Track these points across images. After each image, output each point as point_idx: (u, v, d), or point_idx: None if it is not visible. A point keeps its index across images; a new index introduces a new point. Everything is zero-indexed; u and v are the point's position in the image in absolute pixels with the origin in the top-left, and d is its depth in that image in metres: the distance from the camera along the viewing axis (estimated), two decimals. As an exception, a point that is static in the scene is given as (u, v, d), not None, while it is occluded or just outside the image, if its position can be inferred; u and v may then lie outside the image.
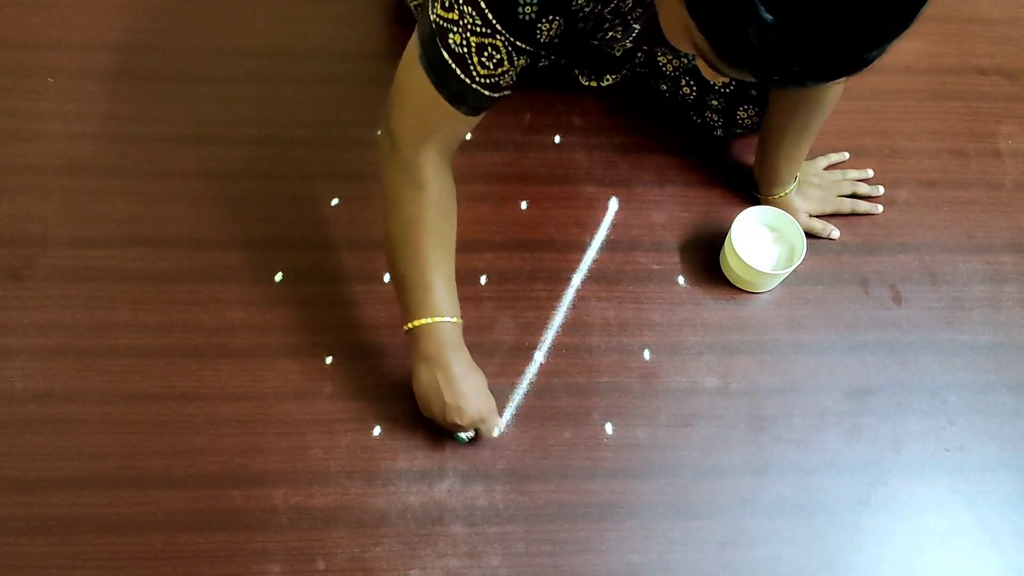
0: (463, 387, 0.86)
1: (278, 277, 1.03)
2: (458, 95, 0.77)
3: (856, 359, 1.03)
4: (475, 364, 0.89)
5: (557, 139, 1.16)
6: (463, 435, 0.92)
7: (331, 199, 1.08)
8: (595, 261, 1.07)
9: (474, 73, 0.75)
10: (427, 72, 0.76)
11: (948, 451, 0.99)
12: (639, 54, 1.11)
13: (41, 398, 0.94)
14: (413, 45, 0.78)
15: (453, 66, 0.74)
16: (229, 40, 1.20)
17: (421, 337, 0.85)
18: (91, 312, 0.99)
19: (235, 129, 1.13)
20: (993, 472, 0.98)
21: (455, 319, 0.86)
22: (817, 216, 1.11)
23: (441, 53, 0.74)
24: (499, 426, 0.91)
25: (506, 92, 0.79)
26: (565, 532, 0.91)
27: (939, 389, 1.02)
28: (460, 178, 1.11)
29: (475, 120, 0.82)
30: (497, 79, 0.76)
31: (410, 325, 0.86)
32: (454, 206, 0.87)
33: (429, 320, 0.84)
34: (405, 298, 0.86)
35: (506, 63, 0.75)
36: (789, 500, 0.95)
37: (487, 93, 0.77)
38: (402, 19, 1.24)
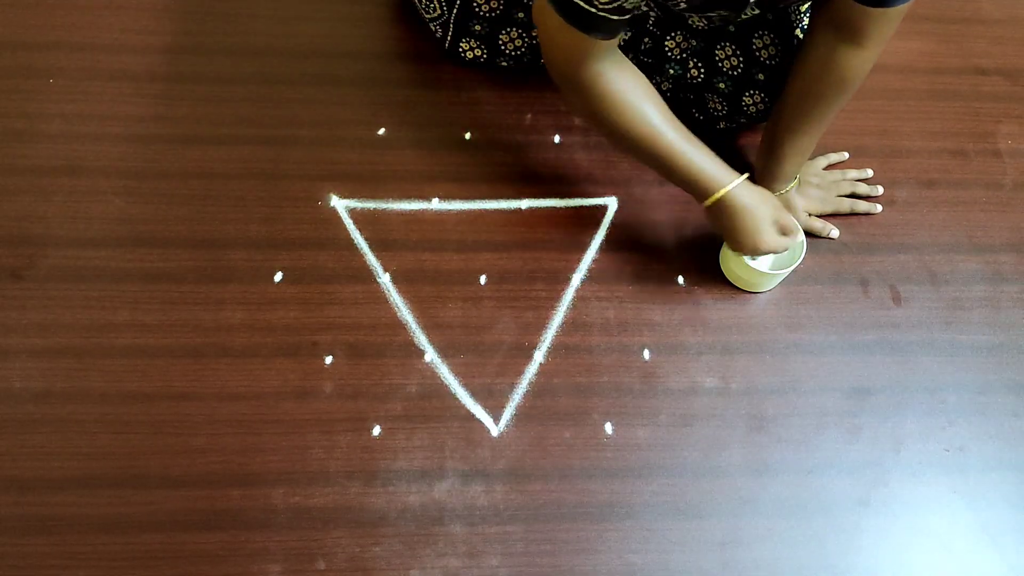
0: (757, 212, 0.96)
1: (278, 277, 1.03)
2: (589, 25, 0.83)
3: (856, 359, 1.03)
4: (762, 191, 0.98)
5: (557, 139, 1.16)
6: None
7: (331, 199, 1.09)
8: (595, 261, 1.07)
9: (595, 3, 0.80)
10: (557, 12, 0.82)
11: (948, 451, 0.99)
12: (645, 39, 1.10)
13: (40, 398, 0.94)
14: None
15: (577, 1, 0.80)
16: (229, 40, 1.21)
17: (725, 207, 0.95)
18: (90, 312, 0.99)
19: (235, 129, 1.13)
20: (993, 472, 0.98)
21: (736, 179, 0.94)
22: (816, 216, 1.11)
23: None
24: (800, 235, 1.02)
25: (634, 12, 0.84)
26: (565, 532, 0.91)
27: (939, 389, 1.02)
28: (461, 177, 1.12)
29: (617, 39, 0.88)
30: (620, 2, 0.81)
31: (709, 202, 0.95)
32: (647, 84, 0.93)
33: (719, 195, 0.94)
34: (683, 183, 0.96)
35: None
36: (789, 500, 0.95)
37: (615, 18, 0.82)
38: (402, 19, 1.24)
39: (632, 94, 0.91)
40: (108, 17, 1.21)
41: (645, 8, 0.82)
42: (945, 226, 1.14)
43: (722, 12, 0.92)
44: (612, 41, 0.87)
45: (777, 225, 0.98)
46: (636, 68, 0.93)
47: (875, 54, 0.92)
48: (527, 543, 0.90)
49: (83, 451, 0.92)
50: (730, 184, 0.94)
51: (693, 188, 0.96)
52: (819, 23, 0.93)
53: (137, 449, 0.92)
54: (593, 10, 0.81)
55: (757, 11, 0.94)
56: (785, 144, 1.02)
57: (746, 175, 0.97)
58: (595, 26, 0.83)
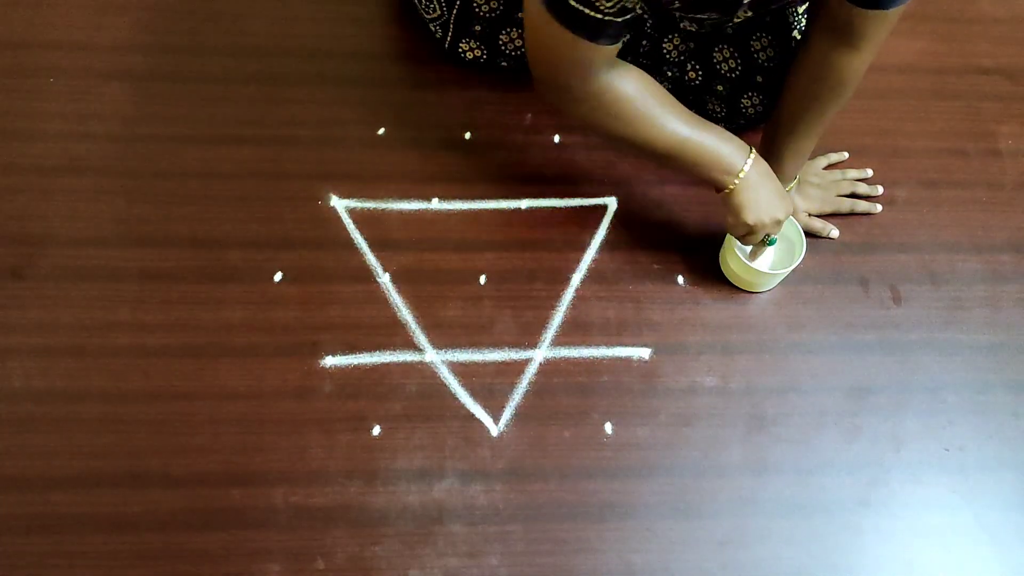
0: (772, 185, 0.94)
1: (277, 277, 1.03)
2: (595, 32, 0.81)
3: (856, 359, 1.03)
4: (765, 164, 0.96)
5: (557, 139, 1.16)
6: (775, 236, 0.99)
7: (331, 199, 1.09)
8: (595, 261, 1.07)
9: (601, 7, 0.78)
10: (560, 23, 0.80)
11: (948, 451, 0.99)
12: (644, 42, 1.10)
13: (40, 397, 0.94)
14: (534, 7, 0.81)
15: (582, 8, 0.78)
16: (229, 40, 1.21)
17: (739, 185, 0.93)
18: (91, 311, 0.99)
19: (235, 129, 1.13)
20: (993, 472, 0.98)
21: (748, 157, 0.92)
22: (816, 215, 1.11)
23: (567, 2, 0.78)
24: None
25: (635, 12, 0.82)
26: (565, 532, 0.91)
27: (939, 389, 1.02)
28: (460, 177, 1.12)
29: (619, 45, 0.86)
30: (623, 3, 0.79)
31: (730, 187, 0.93)
32: (651, 82, 0.91)
33: (741, 175, 0.92)
34: (697, 172, 0.93)
35: None
36: (789, 500, 0.95)
37: (619, 20, 0.81)
38: (402, 19, 1.24)
39: (642, 100, 0.90)
40: (108, 17, 1.21)
41: (640, 10, 0.82)
42: (945, 226, 1.14)
43: (713, 15, 0.92)
44: (616, 47, 0.86)
45: (783, 210, 0.97)
46: (637, 68, 0.92)
47: (871, 56, 0.92)
48: (527, 543, 0.90)
49: (83, 450, 0.92)
50: (751, 155, 0.93)
51: (715, 173, 0.93)
52: (815, 26, 0.93)
53: (137, 448, 0.92)
54: (599, 16, 0.79)
55: (750, 13, 0.94)
56: (784, 145, 1.02)
57: (753, 152, 0.95)
58: (601, 32, 0.81)
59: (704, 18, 0.99)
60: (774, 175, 0.96)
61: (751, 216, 0.94)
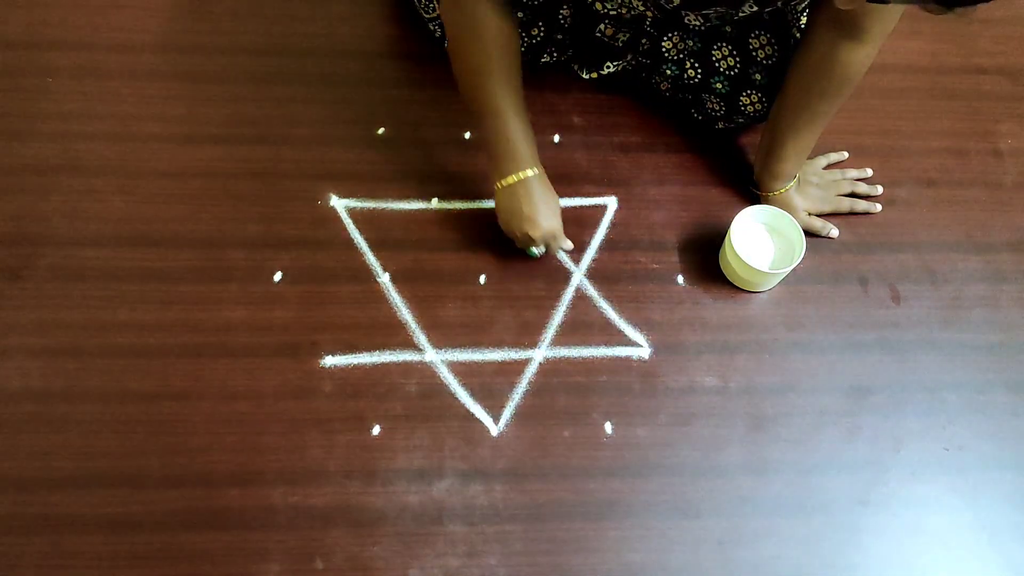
0: (541, 205, 0.98)
1: (277, 276, 1.03)
2: None
3: (855, 358, 1.03)
4: (552, 190, 1.00)
5: (557, 139, 1.16)
6: (535, 250, 1.01)
7: (330, 198, 1.08)
8: (595, 260, 1.07)
9: None
10: None
11: (947, 450, 0.99)
12: (643, 40, 1.10)
13: (39, 397, 0.94)
14: None
15: None
16: (229, 40, 1.20)
17: (514, 186, 0.96)
18: (90, 311, 0.99)
19: (234, 129, 1.13)
20: (992, 471, 0.98)
21: (536, 170, 0.97)
22: (816, 215, 1.11)
23: None
24: (568, 245, 1.04)
25: None
26: (564, 531, 0.91)
27: (939, 389, 1.02)
28: (460, 177, 1.12)
29: None
30: None
31: (501, 184, 0.97)
32: (516, 47, 0.93)
33: (514, 178, 0.96)
34: (490, 150, 0.97)
35: None
36: (788, 499, 0.95)
37: None
38: (402, 19, 1.24)
39: (492, 49, 0.91)
40: (108, 16, 1.21)
41: (642, 8, 0.82)
42: (945, 225, 1.14)
43: (719, 8, 0.91)
44: None
45: (533, 226, 0.98)
46: (512, 26, 0.92)
47: (875, 49, 0.91)
48: (526, 542, 0.90)
49: (83, 450, 0.92)
50: (531, 171, 0.96)
51: (496, 162, 0.97)
52: (819, 19, 0.93)
53: (137, 449, 0.92)
54: None
55: (756, 8, 0.94)
56: (786, 142, 1.02)
57: (541, 169, 0.98)
58: None
59: (710, 12, 0.98)
60: (550, 199, 0.99)
61: (503, 221, 1.00)
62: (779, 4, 0.93)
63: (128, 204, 1.07)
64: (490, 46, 0.90)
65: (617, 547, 0.91)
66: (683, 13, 1.02)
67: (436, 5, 0.93)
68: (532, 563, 0.89)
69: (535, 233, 0.98)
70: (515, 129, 0.95)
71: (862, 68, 0.93)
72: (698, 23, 1.06)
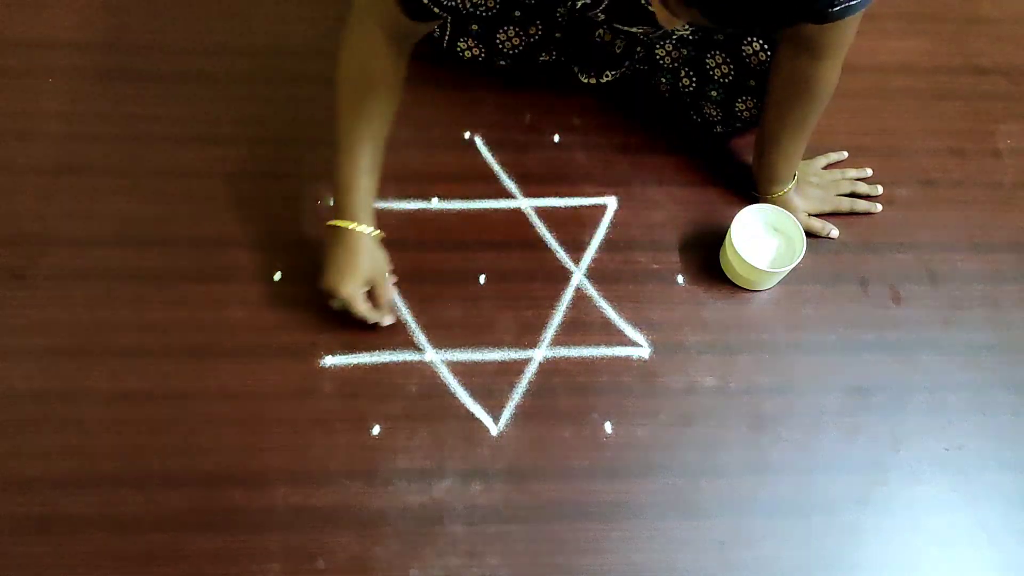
0: (358, 266, 0.94)
1: (277, 276, 1.03)
2: (416, 12, 0.85)
3: (855, 358, 1.03)
4: (384, 259, 0.97)
5: (557, 139, 1.16)
6: (334, 303, 0.97)
7: (330, 198, 1.08)
8: (595, 260, 1.07)
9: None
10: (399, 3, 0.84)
11: (947, 450, 0.99)
12: (639, 48, 1.11)
13: (40, 397, 0.94)
14: None
15: None
16: (229, 40, 1.21)
17: (340, 233, 0.94)
18: (91, 311, 0.99)
19: (235, 129, 1.13)
20: (993, 472, 0.98)
21: (373, 232, 0.96)
22: (816, 215, 1.11)
23: None
24: (368, 317, 0.97)
25: (444, 16, 0.86)
26: (565, 532, 0.91)
27: (938, 389, 1.02)
28: (460, 177, 1.12)
29: (413, 25, 0.88)
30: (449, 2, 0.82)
31: (334, 223, 0.94)
32: (392, 97, 0.94)
33: (349, 227, 0.94)
34: (336, 191, 0.95)
35: None
36: (789, 500, 0.95)
37: (425, 1, 0.84)
38: (402, 19, 1.24)
39: (383, 89, 0.92)
40: (108, 17, 1.21)
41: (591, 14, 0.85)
42: (945, 226, 1.14)
43: (644, 27, 0.93)
44: (406, 24, 0.88)
45: (368, 286, 0.96)
46: (395, 69, 0.93)
47: (836, 63, 0.93)
48: (527, 542, 0.90)
49: (83, 450, 0.92)
50: (354, 227, 0.94)
51: (336, 198, 0.96)
52: (783, 36, 0.96)
53: (137, 448, 0.92)
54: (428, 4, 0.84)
55: (688, 31, 0.94)
56: (772, 151, 1.04)
57: (379, 232, 0.97)
58: (420, 15, 0.86)
59: (635, 31, 1.00)
60: (356, 257, 0.95)
61: (325, 261, 0.96)
62: (715, 36, 0.95)
63: (129, 204, 1.07)
64: (377, 84, 0.92)
65: (617, 547, 0.91)
66: (655, 45, 1.04)
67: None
68: (533, 563, 0.90)
69: (340, 289, 0.94)
70: (364, 187, 0.95)
71: (826, 81, 0.95)
72: (686, 32, 1.07)
